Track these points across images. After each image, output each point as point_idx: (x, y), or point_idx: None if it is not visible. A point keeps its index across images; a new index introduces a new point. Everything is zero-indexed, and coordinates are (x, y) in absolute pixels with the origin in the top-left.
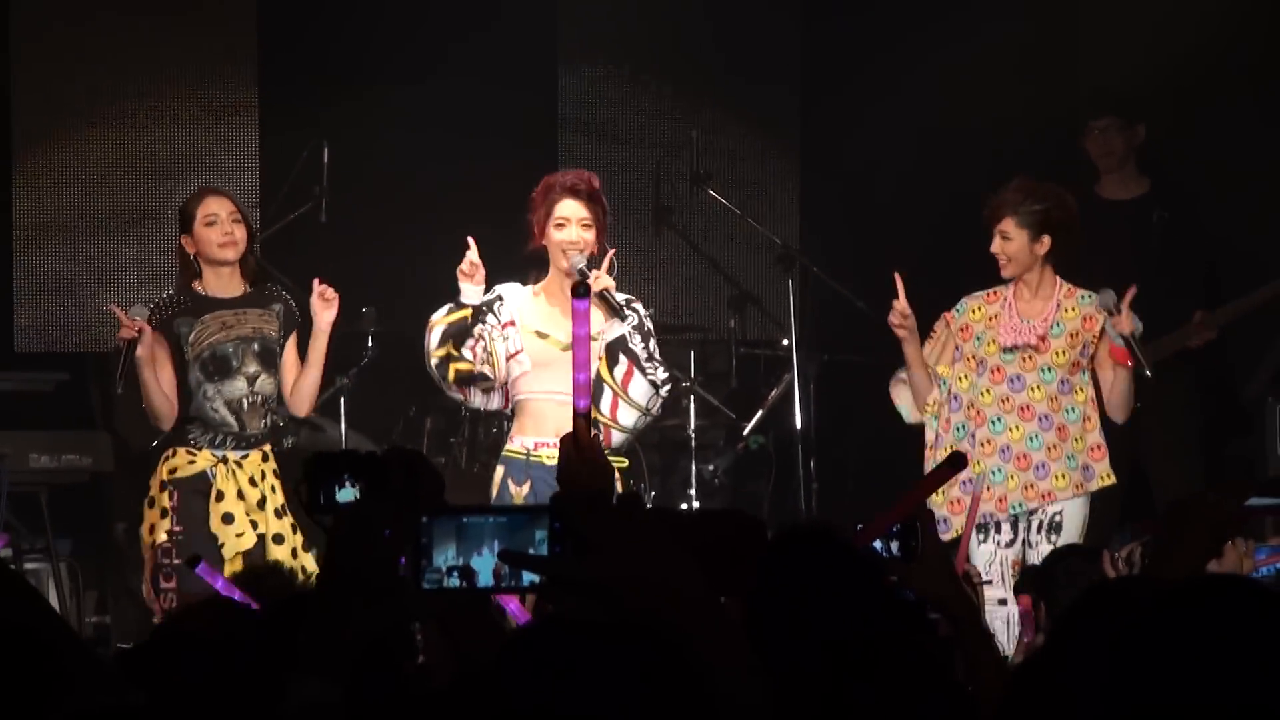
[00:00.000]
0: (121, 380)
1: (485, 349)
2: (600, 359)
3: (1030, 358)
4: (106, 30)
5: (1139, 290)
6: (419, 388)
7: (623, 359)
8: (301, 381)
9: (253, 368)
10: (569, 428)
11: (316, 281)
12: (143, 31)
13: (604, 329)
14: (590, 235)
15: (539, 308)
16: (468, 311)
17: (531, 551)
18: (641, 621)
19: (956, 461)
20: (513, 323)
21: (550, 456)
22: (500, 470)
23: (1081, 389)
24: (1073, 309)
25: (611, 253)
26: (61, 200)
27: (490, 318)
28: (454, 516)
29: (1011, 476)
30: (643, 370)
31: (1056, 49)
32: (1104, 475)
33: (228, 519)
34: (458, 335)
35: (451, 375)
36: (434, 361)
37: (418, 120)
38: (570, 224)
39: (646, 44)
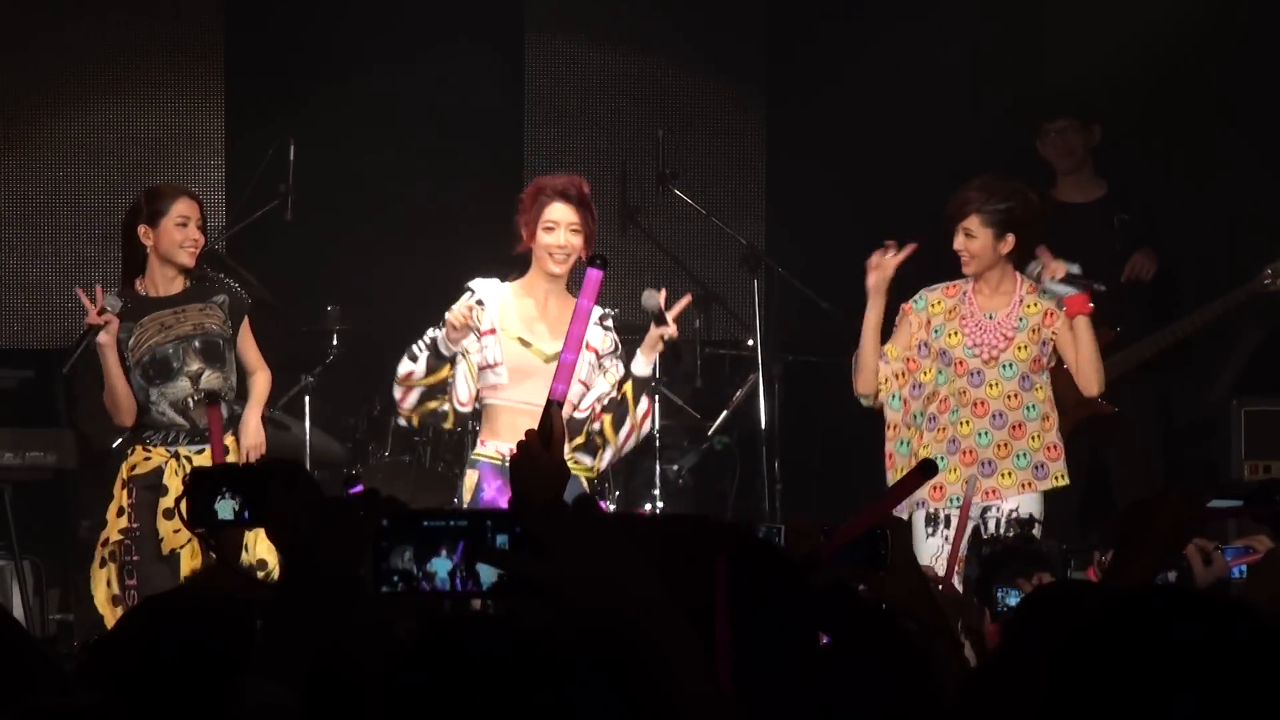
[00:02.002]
0: (70, 365)
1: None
2: (627, 387)
3: (994, 355)
4: (71, 26)
5: (1100, 294)
6: (383, 386)
7: (644, 399)
8: (246, 417)
9: (195, 365)
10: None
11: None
12: (108, 27)
13: (643, 369)
14: (578, 240)
15: (522, 312)
16: (447, 372)
17: None
18: (597, 623)
19: (927, 469)
20: (493, 330)
21: None
22: (474, 475)
23: (1041, 387)
24: (1034, 305)
25: (688, 298)
26: (25, 196)
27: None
28: (414, 520)
29: (953, 469)
30: (653, 414)
31: (1021, 50)
32: (1058, 475)
33: (168, 514)
34: (437, 391)
35: (417, 421)
36: (405, 417)
37: (384, 119)
38: (559, 228)
39: (613, 43)
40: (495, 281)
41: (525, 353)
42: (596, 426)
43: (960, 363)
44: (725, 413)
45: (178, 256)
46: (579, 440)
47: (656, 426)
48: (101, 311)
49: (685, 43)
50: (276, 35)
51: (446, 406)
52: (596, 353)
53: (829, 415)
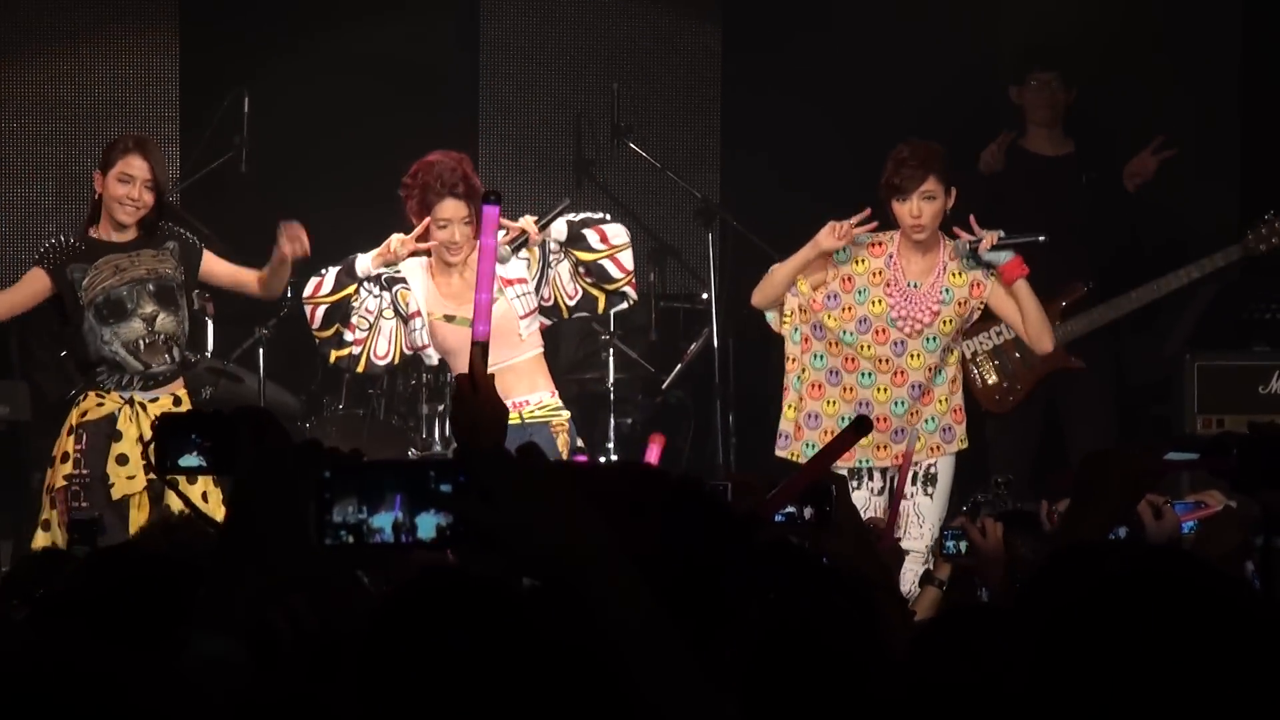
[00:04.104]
0: None
1: (369, 324)
2: (578, 254)
3: (918, 330)
4: None
5: (1066, 250)
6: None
7: (585, 232)
8: (271, 281)
9: (149, 308)
10: (504, 387)
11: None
12: None
13: (547, 235)
14: (470, 229)
15: (442, 288)
16: (353, 290)
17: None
18: (544, 571)
19: (862, 426)
20: (418, 313)
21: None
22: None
23: (954, 349)
24: (959, 273)
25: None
26: None
27: (390, 300)
28: (356, 471)
29: None
30: (604, 222)
31: (978, 3)
32: (962, 439)
33: (121, 460)
34: (344, 316)
35: (331, 359)
36: (319, 340)
37: (339, 69)
38: (453, 223)
39: None
40: (417, 261)
41: (451, 328)
42: (595, 291)
43: (883, 331)
44: (679, 366)
45: (116, 213)
46: (602, 303)
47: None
48: None
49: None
50: None
51: (359, 351)
52: (525, 281)
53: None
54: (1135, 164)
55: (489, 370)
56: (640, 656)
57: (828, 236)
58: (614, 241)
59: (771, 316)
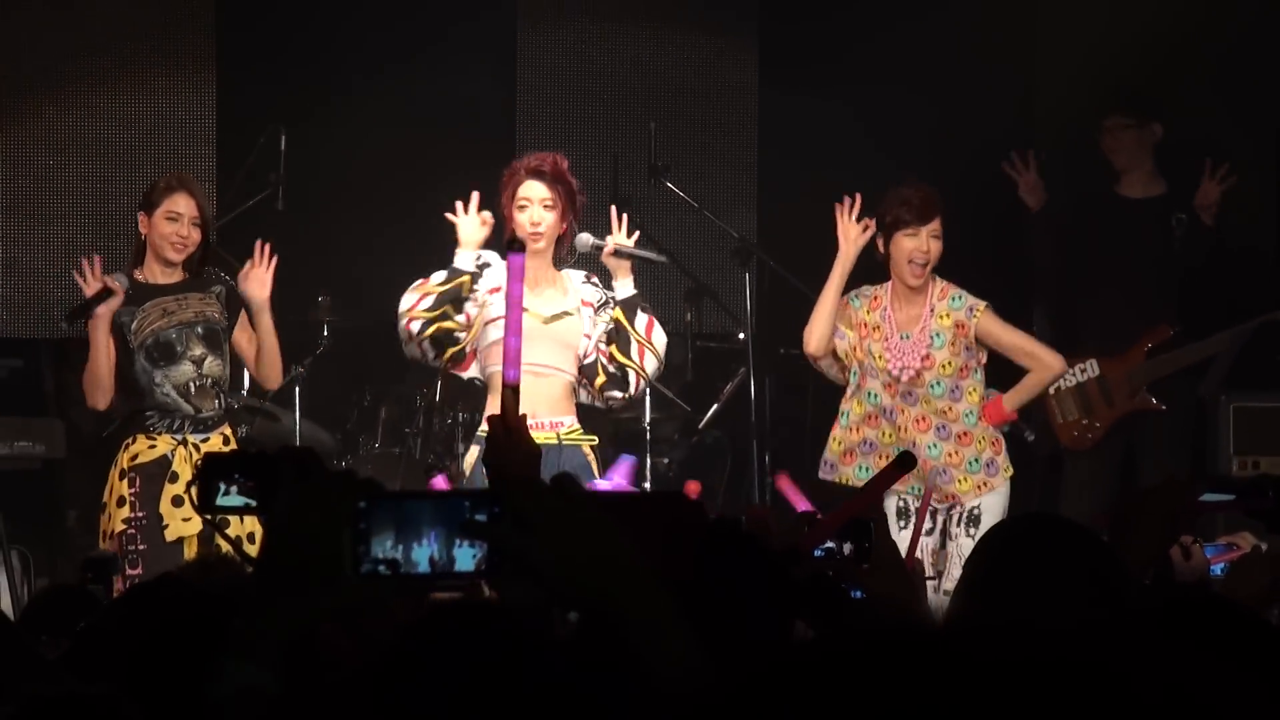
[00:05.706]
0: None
1: (476, 315)
2: (616, 311)
3: (915, 376)
4: (63, 12)
5: (1156, 289)
6: (374, 376)
7: (641, 313)
8: (261, 358)
9: (198, 350)
10: (537, 402)
11: (258, 250)
12: (100, 14)
13: (624, 291)
14: (552, 216)
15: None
16: (466, 279)
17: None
18: (583, 601)
19: (905, 462)
20: (498, 289)
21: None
22: (475, 451)
23: (974, 390)
24: (945, 314)
25: (622, 216)
26: (16, 185)
27: (481, 281)
28: (393, 501)
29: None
30: (659, 324)
31: (1013, 43)
32: (1005, 468)
33: (177, 502)
34: (454, 302)
35: (430, 330)
36: (420, 322)
37: (376, 108)
38: (531, 204)
39: (605, 34)
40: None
41: (523, 315)
42: (605, 360)
43: (891, 385)
44: (716, 406)
45: (164, 252)
46: (601, 379)
47: (662, 350)
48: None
49: (677, 34)
50: (269, 24)
51: (464, 335)
52: (592, 306)
53: (820, 409)
54: (1200, 195)
55: (543, 365)
56: (668, 679)
57: (845, 239)
58: (654, 340)
59: (828, 367)
